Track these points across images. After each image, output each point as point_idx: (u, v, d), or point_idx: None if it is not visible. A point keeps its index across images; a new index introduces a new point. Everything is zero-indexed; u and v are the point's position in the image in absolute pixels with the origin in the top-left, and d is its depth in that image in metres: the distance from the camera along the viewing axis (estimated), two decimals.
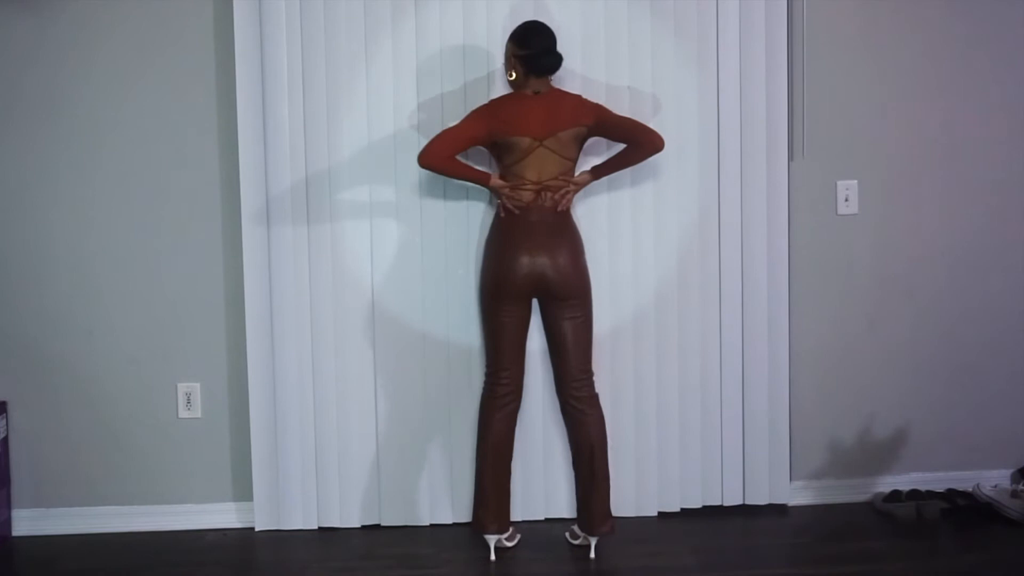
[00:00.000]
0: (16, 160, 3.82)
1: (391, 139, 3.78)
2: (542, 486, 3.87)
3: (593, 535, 3.58)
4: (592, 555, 3.56)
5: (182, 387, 3.90)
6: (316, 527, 3.87)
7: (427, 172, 3.65)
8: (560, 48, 3.65)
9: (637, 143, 3.58)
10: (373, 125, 3.79)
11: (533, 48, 3.52)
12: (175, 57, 3.81)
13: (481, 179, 3.58)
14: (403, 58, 3.77)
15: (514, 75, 3.55)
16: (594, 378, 3.61)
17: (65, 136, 3.81)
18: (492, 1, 3.76)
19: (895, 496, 3.92)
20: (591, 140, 3.62)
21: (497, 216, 3.59)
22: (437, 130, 3.67)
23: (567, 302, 3.53)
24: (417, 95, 3.78)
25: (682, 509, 3.94)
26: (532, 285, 3.51)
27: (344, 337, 3.82)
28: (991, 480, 3.99)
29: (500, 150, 3.57)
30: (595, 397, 3.60)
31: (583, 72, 3.79)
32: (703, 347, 3.91)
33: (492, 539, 3.59)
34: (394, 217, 3.82)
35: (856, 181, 3.96)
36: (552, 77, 3.57)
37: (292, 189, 3.78)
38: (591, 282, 3.60)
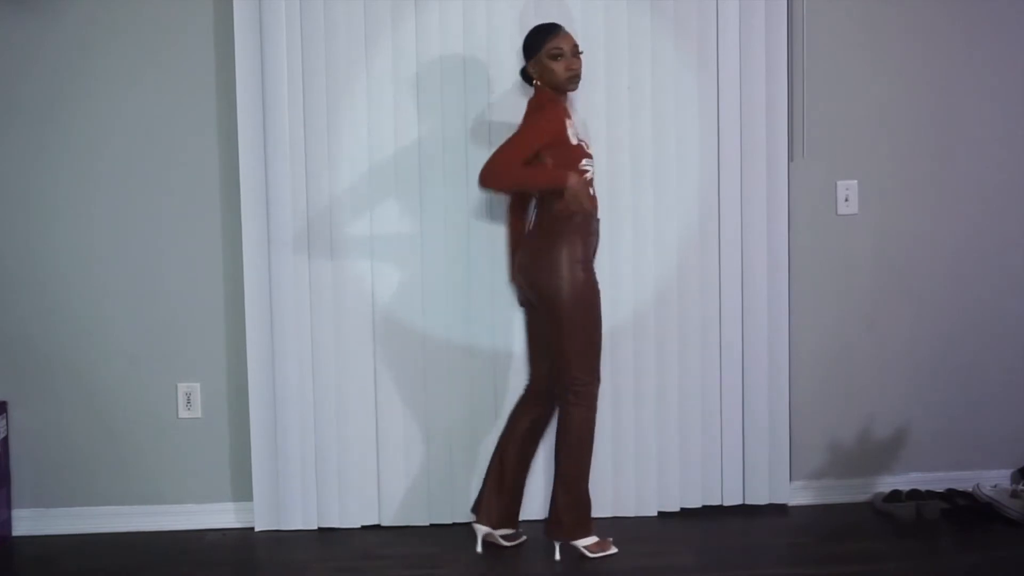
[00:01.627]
0: (16, 160, 3.82)
1: (391, 139, 3.78)
2: (542, 486, 3.87)
3: (547, 537, 3.54)
4: (557, 556, 3.50)
5: (182, 387, 3.90)
6: (316, 527, 3.87)
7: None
8: None
9: None
10: (373, 125, 3.78)
11: None
12: (175, 58, 3.81)
13: (557, 180, 3.33)
14: (403, 59, 3.77)
15: None
16: (584, 387, 3.45)
17: (65, 136, 3.81)
18: (492, 3, 3.76)
19: (895, 496, 3.92)
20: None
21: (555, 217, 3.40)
22: (437, 129, 3.68)
23: (544, 313, 3.48)
24: (417, 96, 3.78)
25: (682, 509, 3.93)
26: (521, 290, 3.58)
27: (344, 336, 3.82)
28: (991, 480, 3.99)
29: (557, 154, 3.39)
30: (573, 404, 3.44)
31: (583, 71, 3.78)
32: (703, 347, 3.91)
33: (479, 529, 3.58)
34: (394, 216, 3.81)
35: (856, 181, 3.96)
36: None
37: (292, 189, 3.77)
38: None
